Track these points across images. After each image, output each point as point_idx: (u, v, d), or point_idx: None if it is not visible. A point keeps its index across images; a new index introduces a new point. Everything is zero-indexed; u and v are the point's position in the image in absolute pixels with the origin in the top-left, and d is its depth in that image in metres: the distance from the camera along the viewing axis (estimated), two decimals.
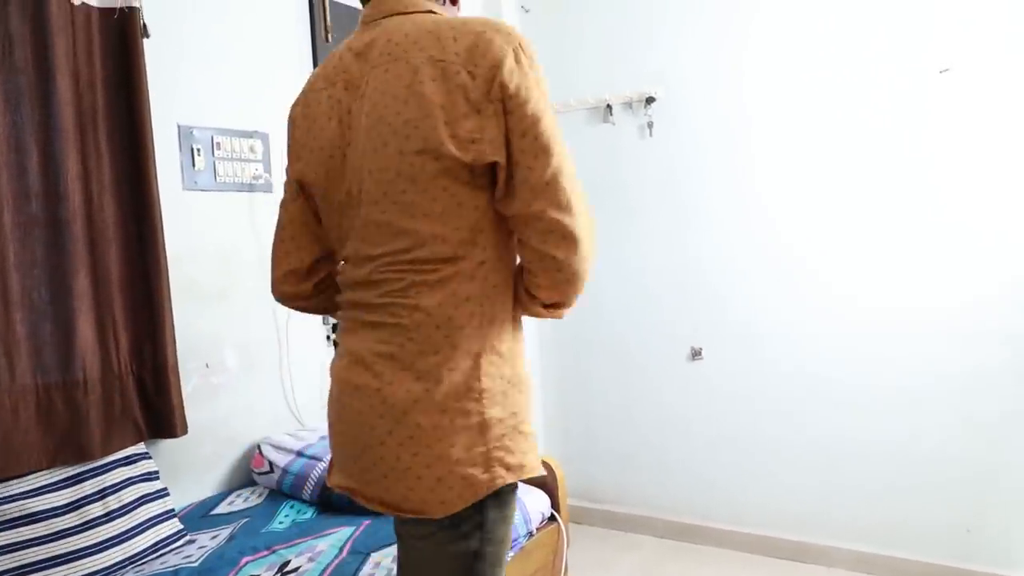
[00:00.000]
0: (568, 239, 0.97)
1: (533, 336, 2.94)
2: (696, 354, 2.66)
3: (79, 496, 1.53)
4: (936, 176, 2.21)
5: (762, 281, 2.53)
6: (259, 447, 1.93)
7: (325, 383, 2.19)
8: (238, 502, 1.82)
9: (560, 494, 1.79)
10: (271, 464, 1.85)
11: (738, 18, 2.50)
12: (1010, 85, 2.08)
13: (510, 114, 0.94)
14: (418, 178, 0.96)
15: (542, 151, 0.95)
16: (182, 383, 1.76)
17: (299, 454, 1.85)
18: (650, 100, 2.64)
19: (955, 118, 2.17)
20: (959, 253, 2.20)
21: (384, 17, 1.05)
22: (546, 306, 1.07)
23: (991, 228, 2.15)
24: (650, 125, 2.66)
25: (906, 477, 2.32)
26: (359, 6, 1.13)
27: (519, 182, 0.95)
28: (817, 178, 2.40)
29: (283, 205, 1.19)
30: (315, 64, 2.17)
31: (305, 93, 1.11)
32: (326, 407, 1.09)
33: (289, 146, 1.15)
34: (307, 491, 1.75)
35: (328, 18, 2.14)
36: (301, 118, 1.10)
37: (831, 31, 2.34)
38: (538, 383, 3.00)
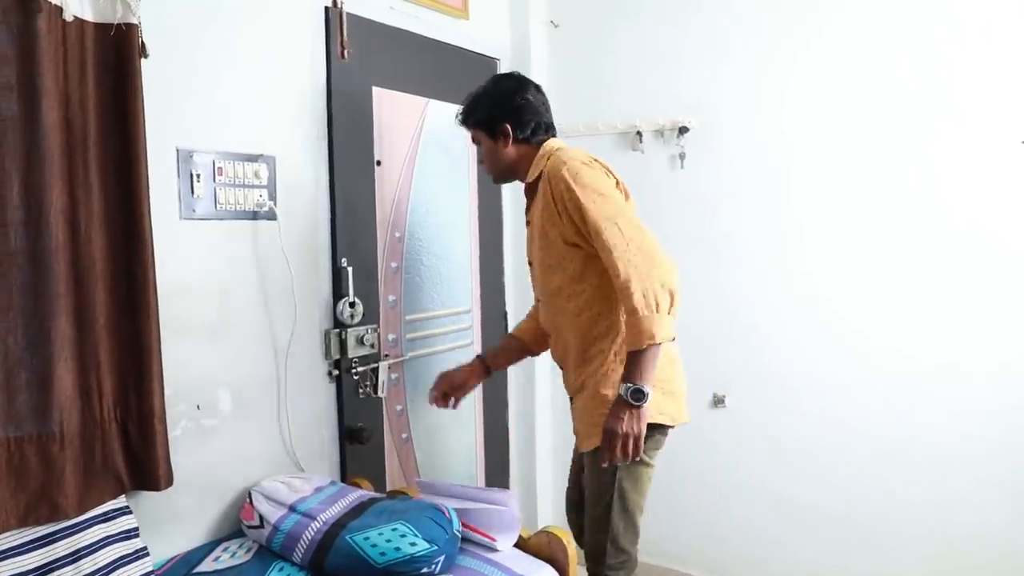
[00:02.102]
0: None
1: (547, 384, 2.81)
2: (719, 401, 2.52)
3: (50, 559, 1.41)
4: (992, 238, 2.06)
5: (795, 329, 2.38)
6: (250, 496, 1.80)
7: (326, 424, 2.09)
8: (224, 557, 1.69)
9: (571, 572, 1.66)
10: (261, 518, 1.72)
11: (784, 52, 2.34)
12: None
13: None
14: None
15: None
16: (170, 427, 1.64)
17: (292, 509, 1.72)
18: (683, 130, 2.48)
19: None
20: (1005, 318, 2.05)
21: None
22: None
23: None
24: (682, 156, 2.51)
25: (931, 541, 2.20)
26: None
27: None
28: (861, 226, 2.25)
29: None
30: (329, 83, 2.03)
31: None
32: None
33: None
34: (298, 554, 1.62)
35: (345, 34, 1.99)
36: None
37: (889, 78, 2.17)
38: (548, 427, 2.87)
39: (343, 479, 2.08)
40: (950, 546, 2.15)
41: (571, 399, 1.83)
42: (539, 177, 1.73)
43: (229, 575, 1.60)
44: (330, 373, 2.08)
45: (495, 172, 1.86)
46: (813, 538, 2.39)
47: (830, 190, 2.29)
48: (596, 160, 1.69)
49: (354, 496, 1.79)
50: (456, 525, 1.64)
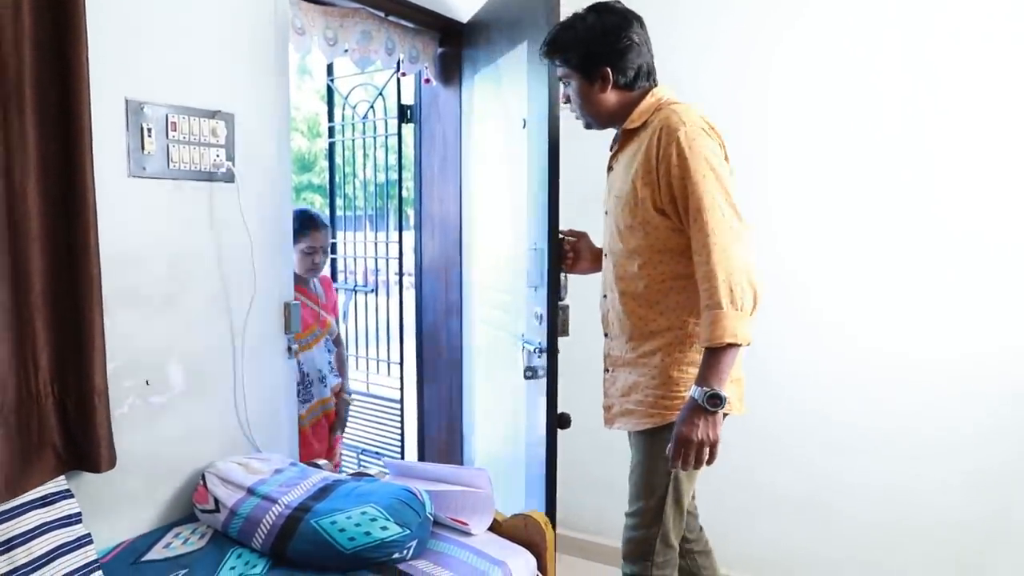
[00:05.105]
0: None
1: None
2: None
3: None
4: (969, 230, 2.08)
5: (772, 316, 2.34)
6: (203, 478, 1.68)
7: (284, 401, 1.97)
8: (176, 543, 1.57)
9: (548, 556, 1.60)
10: (217, 502, 1.61)
11: (766, 38, 2.31)
12: None
13: None
14: None
15: None
16: (116, 404, 1.51)
17: (250, 492, 1.61)
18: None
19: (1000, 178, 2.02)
20: (981, 309, 2.08)
21: None
22: None
23: (1011, 282, 2.03)
24: None
25: (904, 527, 2.22)
26: None
27: None
28: (838, 216, 2.25)
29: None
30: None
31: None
32: None
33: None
34: (258, 539, 1.51)
35: None
36: None
37: (869, 69, 2.17)
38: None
39: (551, 466, 1.91)
40: (925, 534, 2.18)
41: (609, 370, 1.71)
42: (642, 125, 1.57)
43: (182, 563, 1.48)
44: (290, 348, 1.96)
45: (588, 118, 1.66)
46: (788, 524, 2.39)
47: (808, 180, 2.27)
48: (713, 128, 1.51)
49: (317, 478, 1.68)
50: (429, 507, 1.56)
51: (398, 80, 2.87)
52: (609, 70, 1.56)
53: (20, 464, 1.35)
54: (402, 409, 3.25)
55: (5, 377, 1.31)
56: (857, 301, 2.23)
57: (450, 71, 2.63)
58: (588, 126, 1.71)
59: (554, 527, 1.93)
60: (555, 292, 1.88)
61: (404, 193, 3.13)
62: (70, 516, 1.40)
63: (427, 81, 2.65)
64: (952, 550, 2.14)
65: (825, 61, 2.22)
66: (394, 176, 3.12)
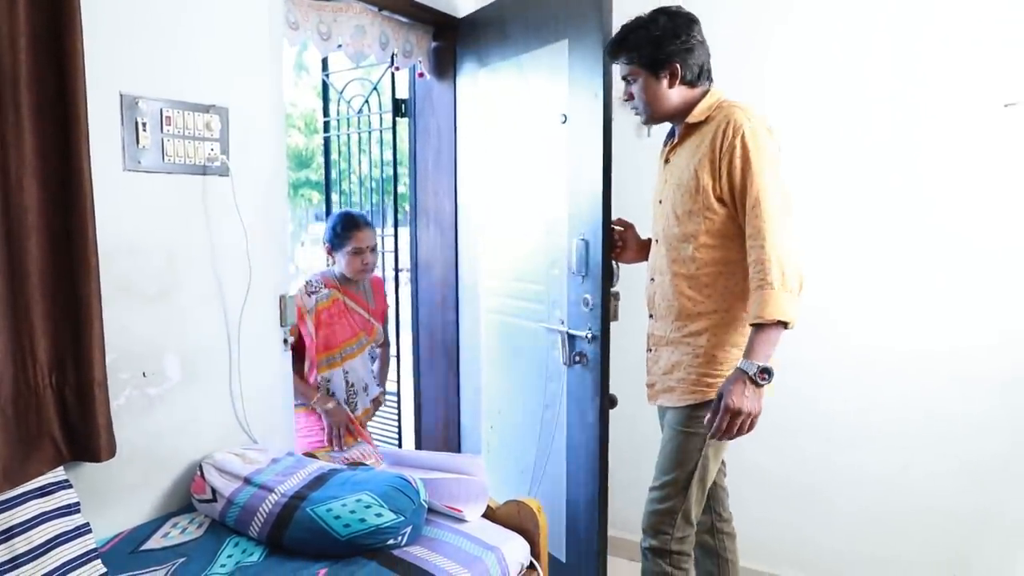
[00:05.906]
0: None
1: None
2: None
3: None
4: (956, 224, 2.10)
5: None
6: (201, 468, 1.70)
7: (280, 393, 1.99)
8: (174, 533, 1.59)
9: (541, 542, 1.62)
10: (214, 491, 1.63)
11: (758, 45, 2.33)
12: None
13: None
14: None
15: None
16: (113, 396, 1.52)
17: (247, 481, 1.63)
18: None
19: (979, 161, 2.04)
20: (966, 301, 2.09)
21: None
22: None
23: (999, 274, 2.05)
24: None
25: (896, 516, 2.24)
26: None
27: None
28: (827, 213, 2.27)
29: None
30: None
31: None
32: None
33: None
34: (255, 528, 1.53)
35: None
36: None
37: (872, 55, 2.18)
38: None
39: (604, 447, 2.01)
40: (917, 523, 2.20)
41: (652, 349, 1.81)
42: (704, 120, 1.68)
43: (181, 552, 1.50)
44: (286, 340, 1.97)
45: (652, 113, 1.75)
46: (781, 513, 2.41)
47: (800, 180, 2.24)
48: (771, 130, 1.64)
49: (313, 467, 1.70)
50: (423, 495, 1.58)
51: (392, 74, 2.88)
52: (678, 66, 1.67)
53: (19, 455, 1.36)
54: (399, 401, 3.28)
55: (2, 369, 1.33)
56: (850, 295, 2.25)
57: (444, 65, 2.65)
58: (647, 122, 1.82)
59: (606, 507, 2.03)
60: (608, 279, 1.97)
61: (400, 188, 3.14)
62: (69, 506, 1.42)
63: (421, 75, 2.66)
64: (944, 539, 2.16)
65: (815, 65, 2.25)
66: (390, 171, 3.13)
